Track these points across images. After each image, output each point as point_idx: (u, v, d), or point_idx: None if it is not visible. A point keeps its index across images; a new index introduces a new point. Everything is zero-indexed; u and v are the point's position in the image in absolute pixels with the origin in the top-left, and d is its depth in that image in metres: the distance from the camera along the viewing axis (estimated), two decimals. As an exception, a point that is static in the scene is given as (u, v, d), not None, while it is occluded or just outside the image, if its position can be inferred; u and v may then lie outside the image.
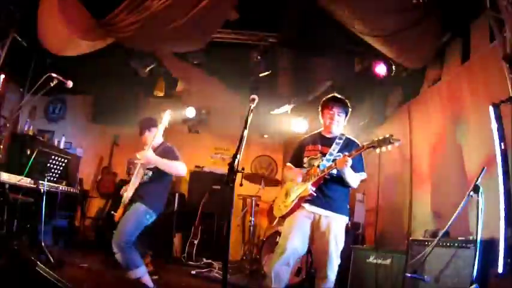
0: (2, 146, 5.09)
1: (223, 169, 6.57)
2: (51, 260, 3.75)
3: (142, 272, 3.42)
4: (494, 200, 2.78)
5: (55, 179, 4.41)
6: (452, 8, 3.66)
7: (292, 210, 2.99)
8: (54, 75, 3.16)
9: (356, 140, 3.10)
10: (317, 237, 2.91)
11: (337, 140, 3.00)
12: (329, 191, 2.95)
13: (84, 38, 4.44)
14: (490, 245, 2.78)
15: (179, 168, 3.52)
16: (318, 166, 2.94)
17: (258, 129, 7.36)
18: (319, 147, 3.06)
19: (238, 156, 2.46)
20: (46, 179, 4.12)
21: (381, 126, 5.56)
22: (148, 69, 5.85)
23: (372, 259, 3.93)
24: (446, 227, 2.92)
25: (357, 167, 2.93)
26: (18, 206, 4.22)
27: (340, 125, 3.11)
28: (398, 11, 3.68)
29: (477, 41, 3.71)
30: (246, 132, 2.58)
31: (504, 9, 2.97)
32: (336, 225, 2.92)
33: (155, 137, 3.62)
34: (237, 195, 6.58)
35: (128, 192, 3.49)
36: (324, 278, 2.83)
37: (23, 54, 5.11)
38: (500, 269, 2.63)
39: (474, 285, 2.54)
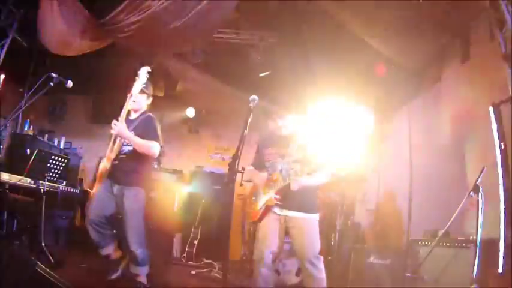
0: (2, 146, 5.09)
1: (223, 169, 6.61)
2: (51, 260, 3.75)
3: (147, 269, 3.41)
4: (494, 200, 2.78)
5: (55, 179, 4.41)
6: (452, 7, 3.66)
7: (261, 217, 3.03)
8: (54, 75, 3.15)
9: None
10: (293, 238, 2.98)
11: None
12: (296, 193, 2.90)
13: (84, 38, 4.44)
14: (490, 245, 2.78)
15: (151, 150, 3.30)
16: (281, 171, 2.93)
17: (258, 129, 7.36)
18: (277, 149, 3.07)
19: (238, 156, 2.46)
20: (46, 179, 4.12)
21: (381, 127, 5.56)
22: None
23: (372, 259, 3.93)
24: (446, 227, 2.92)
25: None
26: (18, 206, 4.22)
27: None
28: (398, 11, 3.68)
29: (477, 41, 3.71)
30: (246, 132, 2.59)
31: (504, 9, 2.97)
32: (308, 225, 2.96)
33: (129, 101, 3.33)
34: (237, 195, 6.58)
35: (104, 163, 3.26)
36: (310, 276, 2.89)
37: (23, 54, 5.12)
38: (500, 269, 2.62)
39: (474, 285, 2.54)
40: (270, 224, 2.98)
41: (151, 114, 3.53)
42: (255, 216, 3.07)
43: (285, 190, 2.90)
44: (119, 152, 3.32)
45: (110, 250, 3.45)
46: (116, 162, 3.30)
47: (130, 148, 3.34)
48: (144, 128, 3.37)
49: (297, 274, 4.27)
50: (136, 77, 3.34)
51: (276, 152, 3.05)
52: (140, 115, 3.50)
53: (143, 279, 3.39)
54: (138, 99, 3.43)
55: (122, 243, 3.50)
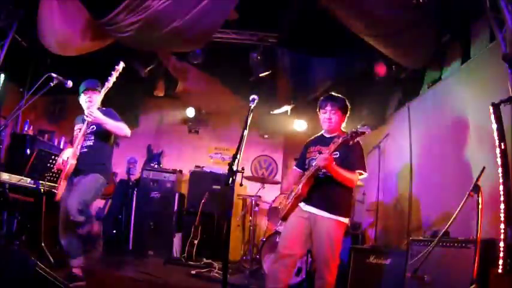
0: (2, 146, 5.09)
1: (223, 169, 6.61)
2: (51, 260, 3.75)
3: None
4: (494, 200, 2.78)
5: (55, 179, 4.41)
6: (452, 8, 3.66)
7: (289, 211, 2.99)
8: (54, 75, 3.15)
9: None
10: (314, 237, 2.89)
11: (335, 139, 2.89)
12: (324, 189, 2.91)
13: (84, 38, 4.45)
14: (490, 245, 2.78)
15: (124, 129, 3.47)
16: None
17: (258, 129, 7.37)
18: (319, 147, 3.04)
19: (238, 156, 2.46)
20: (46, 179, 4.12)
21: (381, 127, 5.57)
22: (148, 69, 5.85)
23: (372, 259, 3.93)
24: (446, 227, 2.91)
25: (352, 164, 2.90)
26: (18, 206, 4.22)
27: (335, 123, 3.05)
28: (398, 11, 3.68)
29: (477, 41, 3.71)
30: (246, 132, 2.59)
31: (504, 9, 2.97)
32: (330, 225, 2.85)
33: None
34: (237, 195, 6.59)
35: (71, 161, 3.27)
36: (321, 279, 2.81)
37: (23, 54, 5.11)
38: (500, 269, 2.62)
39: (474, 285, 2.54)
40: (294, 220, 2.96)
41: (103, 108, 3.56)
42: (283, 212, 3.05)
43: (316, 186, 2.90)
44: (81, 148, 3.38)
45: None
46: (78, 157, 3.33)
47: (91, 143, 3.43)
48: (108, 117, 3.43)
49: (297, 274, 4.27)
50: (114, 72, 3.43)
51: (317, 150, 3.02)
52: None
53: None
54: (93, 99, 3.49)
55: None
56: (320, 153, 2.92)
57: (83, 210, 3.20)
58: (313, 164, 2.88)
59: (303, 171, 3.10)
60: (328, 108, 3.04)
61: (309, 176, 2.90)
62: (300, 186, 2.91)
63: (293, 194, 2.99)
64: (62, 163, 3.40)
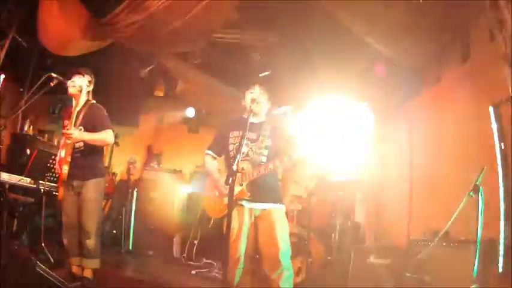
0: (2, 146, 5.09)
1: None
2: (51, 260, 3.75)
3: None
4: (494, 200, 2.78)
5: (55, 179, 4.41)
6: (452, 7, 3.65)
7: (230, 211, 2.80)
8: (54, 75, 3.14)
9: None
10: (261, 231, 2.81)
11: (264, 126, 2.88)
12: (263, 183, 2.80)
13: (84, 38, 4.44)
14: (490, 245, 2.78)
15: (107, 141, 3.34)
16: (248, 157, 2.80)
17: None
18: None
19: (238, 156, 2.46)
20: (46, 179, 4.12)
21: (381, 127, 5.56)
22: (148, 69, 5.85)
23: (372, 259, 3.93)
24: (446, 227, 2.92)
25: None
26: (18, 206, 4.22)
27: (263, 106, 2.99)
28: (398, 11, 3.68)
29: (477, 41, 3.71)
30: (246, 132, 2.59)
31: (504, 9, 2.96)
32: (276, 216, 2.81)
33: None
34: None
35: (64, 167, 3.21)
36: (278, 270, 2.71)
37: (23, 54, 5.11)
38: (500, 269, 2.63)
39: (474, 285, 2.54)
40: (239, 219, 2.80)
41: (95, 102, 3.42)
42: (221, 212, 2.88)
43: (253, 181, 2.75)
44: (73, 151, 3.28)
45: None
46: (70, 161, 3.25)
47: (81, 147, 3.31)
48: (93, 118, 3.30)
49: (297, 274, 4.26)
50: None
51: (242, 136, 2.70)
52: (84, 105, 3.36)
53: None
54: (77, 82, 3.29)
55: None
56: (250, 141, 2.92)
57: (98, 233, 3.30)
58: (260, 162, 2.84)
59: None
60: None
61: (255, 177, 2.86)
62: (245, 187, 2.84)
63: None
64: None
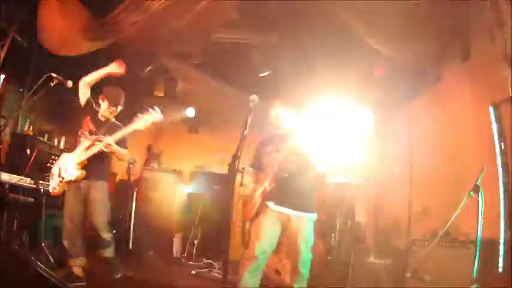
0: (2, 146, 5.09)
1: (223, 169, 6.59)
2: (51, 260, 3.74)
3: None
4: (494, 200, 2.78)
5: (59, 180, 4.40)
6: (452, 7, 3.65)
7: (257, 213, 2.92)
8: (54, 75, 3.15)
9: None
10: (287, 237, 2.88)
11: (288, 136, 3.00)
12: (294, 188, 2.87)
13: (84, 38, 4.44)
14: (490, 245, 2.78)
15: (125, 157, 3.81)
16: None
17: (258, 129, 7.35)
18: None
19: (238, 156, 2.46)
20: (46, 179, 4.12)
21: (381, 127, 5.56)
22: (148, 69, 5.85)
23: (372, 259, 3.93)
24: (446, 227, 2.92)
25: None
26: (18, 206, 4.22)
27: None
28: (398, 11, 3.68)
29: (477, 41, 3.71)
30: (246, 132, 2.59)
31: (504, 9, 2.97)
32: (304, 225, 2.86)
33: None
34: (237, 195, 6.57)
35: (75, 170, 3.47)
36: (297, 276, 2.81)
37: (23, 54, 5.11)
38: (500, 269, 2.63)
39: (474, 285, 2.54)
40: (265, 221, 2.87)
41: (116, 121, 3.81)
42: (248, 214, 2.97)
43: (281, 184, 2.83)
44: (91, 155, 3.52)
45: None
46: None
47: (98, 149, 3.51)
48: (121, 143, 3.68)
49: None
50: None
51: (273, 148, 2.98)
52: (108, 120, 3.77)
53: None
54: (118, 109, 3.83)
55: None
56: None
57: (109, 228, 3.64)
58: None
59: None
60: None
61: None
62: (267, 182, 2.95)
63: (259, 192, 3.01)
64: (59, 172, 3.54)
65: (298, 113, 3.10)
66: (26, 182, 4.09)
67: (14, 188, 4.05)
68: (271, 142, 3.08)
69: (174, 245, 6.13)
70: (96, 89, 3.78)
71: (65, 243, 3.41)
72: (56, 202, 4.80)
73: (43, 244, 3.89)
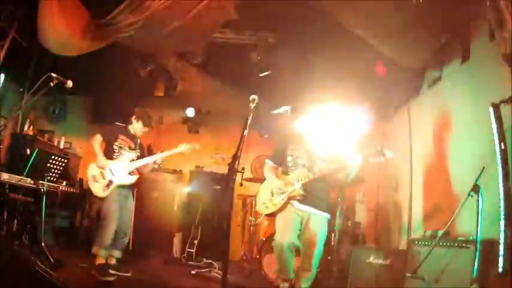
0: (2, 146, 5.09)
1: (223, 169, 6.59)
2: (51, 260, 3.75)
3: None
4: (494, 200, 2.78)
5: (55, 179, 4.41)
6: (452, 7, 3.65)
7: (281, 209, 3.23)
8: (54, 75, 3.15)
9: None
10: (306, 232, 3.18)
11: None
12: (316, 190, 3.20)
13: (84, 38, 4.44)
14: (490, 245, 2.78)
15: (147, 170, 4.51)
16: (304, 165, 3.22)
17: (258, 129, 7.36)
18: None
19: (238, 156, 2.46)
20: (46, 179, 4.12)
21: (381, 127, 5.56)
22: (148, 69, 5.85)
23: (372, 259, 3.93)
24: (446, 227, 2.92)
25: None
26: (18, 206, 4.22)
27: None
28: (398, 11, 3.68)
29: (477, 41, 3.71)
30: (246, 132, 2.59)
31: (504, 9, 2.96)
32: (321, 223, 3.24)
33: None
34: (237, 195, 6.58)
35: (124, 175, 4.14)
36: (308, 271, 3.12)
37: (23, 54, 5.11)
38: (500, 269, 2.62)
39: (474, 285, 2.54)
40: (289, 216, 3.20)
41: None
42: (273, 209, 3.27)
43: (307, 186, 3.15)
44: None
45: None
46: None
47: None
48: (143, 150, 4.57)
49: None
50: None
51: (297, 148, 3.32)
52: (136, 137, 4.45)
53: None
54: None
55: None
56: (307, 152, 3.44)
57: None
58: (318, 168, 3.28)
59: None
60: None
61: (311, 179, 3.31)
62: (300, 187, 3.25)
63: (287, 192, 3.28)
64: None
65: (293, 109, 3.43)
66: (26, 182, 4.09)
67: (14, 188, 4.05)
68: (296, 142, 3.39)
69: (174, 245, 6.13)
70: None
71: (107, 239, 3.89)
72: (56, 202, 4.82)
73: (43, 244, 3.89)
